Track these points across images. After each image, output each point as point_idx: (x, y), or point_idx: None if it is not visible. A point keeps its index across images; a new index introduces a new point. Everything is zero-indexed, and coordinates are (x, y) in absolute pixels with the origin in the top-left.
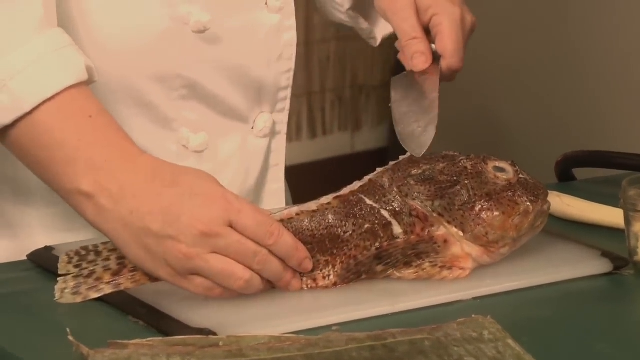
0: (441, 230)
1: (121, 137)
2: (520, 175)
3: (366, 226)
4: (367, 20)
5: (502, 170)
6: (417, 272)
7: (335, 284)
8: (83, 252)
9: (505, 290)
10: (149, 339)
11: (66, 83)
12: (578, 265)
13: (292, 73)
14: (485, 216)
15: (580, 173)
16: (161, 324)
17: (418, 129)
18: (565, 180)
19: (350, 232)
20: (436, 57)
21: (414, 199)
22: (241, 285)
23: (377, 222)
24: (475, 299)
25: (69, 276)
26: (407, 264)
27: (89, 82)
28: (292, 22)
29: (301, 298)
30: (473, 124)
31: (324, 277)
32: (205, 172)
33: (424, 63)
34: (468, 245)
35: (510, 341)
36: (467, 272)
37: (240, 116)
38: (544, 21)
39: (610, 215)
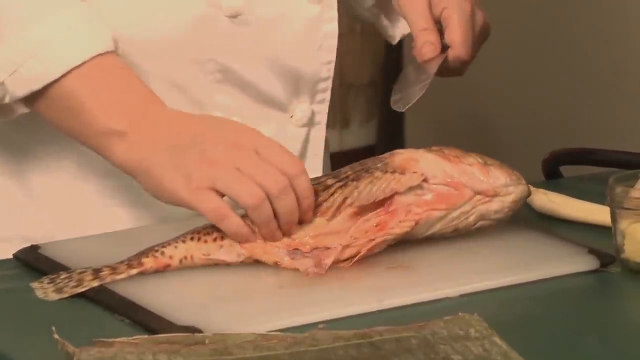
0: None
1: (151, 92)
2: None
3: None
4: (388, 18)
5: None
6: (371, 182)
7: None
8: (53, 276)
9: (491, 288)
10: (134, 337)
11: (94, 52)
12: (565, 263)
13: (332, 64)
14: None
15: (567, 170)
16: (147, 322)
17: (408, 89)
18: (552, 177)
19: None
20: (445, 49)
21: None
22: (254, 203)
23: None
24: (461, 296)
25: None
26: (358, 179)
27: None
28: (333, 13)
29: (287, 295)
30: (460, 122)
31: None
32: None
33: (432, 52)
34: (418, 154)
35: (496, 339)
36: (419, 174)
37: (277, 104)
38: (531, 20)
39: (597, 213)
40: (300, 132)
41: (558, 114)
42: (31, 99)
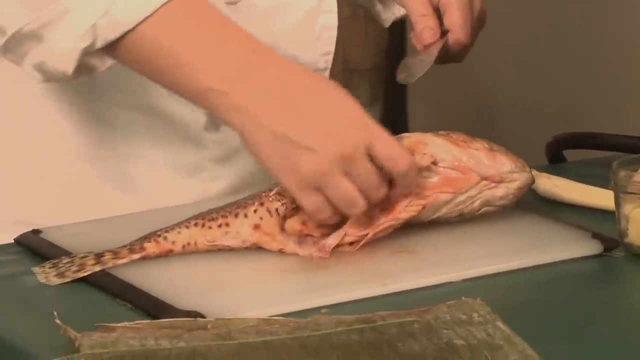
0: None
1: (244, 33)
2: None
3: None
4: (381, 2)
5: None
6: None
7: None
8: (55, 260)
9: (494, 272)
10: (136, 321)
11: None
12: (568, 247)
13: (331, 55)
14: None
15: (571, 155)
16: (149, 306)
17: (412, 69)
18: (555, 162)
19: None
20: (444, 35)
21: None
22: (357, 212)
23: None
24: (464, 280)
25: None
26: None
27: None
28: (332, 5)
29: (290, 280)
30: (463, 106)
31: None
32: (343, 89)
33: (432, 37)
34: (427, 137)
35: (499, 323)
36: (429, 155)
37: None
38: (532, 5)
39: (601, 197)
40: None
41: (562, 98)
42: (118, 49)
